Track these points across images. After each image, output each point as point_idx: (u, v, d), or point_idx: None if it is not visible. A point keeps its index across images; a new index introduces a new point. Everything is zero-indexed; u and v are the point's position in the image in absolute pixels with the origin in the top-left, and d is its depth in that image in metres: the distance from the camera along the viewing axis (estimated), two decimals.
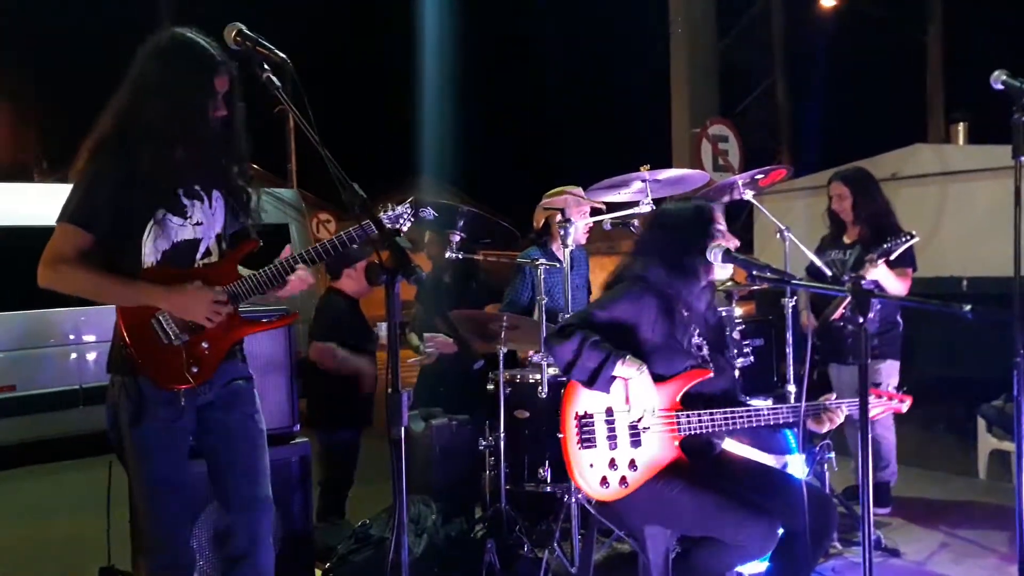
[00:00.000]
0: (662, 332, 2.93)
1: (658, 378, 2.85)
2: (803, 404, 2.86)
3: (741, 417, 2.88)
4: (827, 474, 4.19)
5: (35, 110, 17.52)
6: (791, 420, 2.89)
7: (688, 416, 2.86)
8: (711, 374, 2.94)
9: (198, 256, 2.56)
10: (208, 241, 2.58)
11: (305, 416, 4.49)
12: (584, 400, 2.85)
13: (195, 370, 2.49)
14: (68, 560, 4.63)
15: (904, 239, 4.09)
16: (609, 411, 2.84)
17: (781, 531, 2.76)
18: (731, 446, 3.36)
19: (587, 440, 2.81)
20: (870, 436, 4.68)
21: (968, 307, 2.55)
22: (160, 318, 2.45)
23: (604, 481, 2.80)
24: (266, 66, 2.26)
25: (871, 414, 2.93)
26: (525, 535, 3.81)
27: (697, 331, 3.01)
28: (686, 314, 3.00)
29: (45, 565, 4.67)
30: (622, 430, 2.83)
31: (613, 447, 2.82)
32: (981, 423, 5.55)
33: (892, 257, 4.08)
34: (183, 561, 2.63)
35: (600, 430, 2.83)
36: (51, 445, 6.91)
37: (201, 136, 2.48)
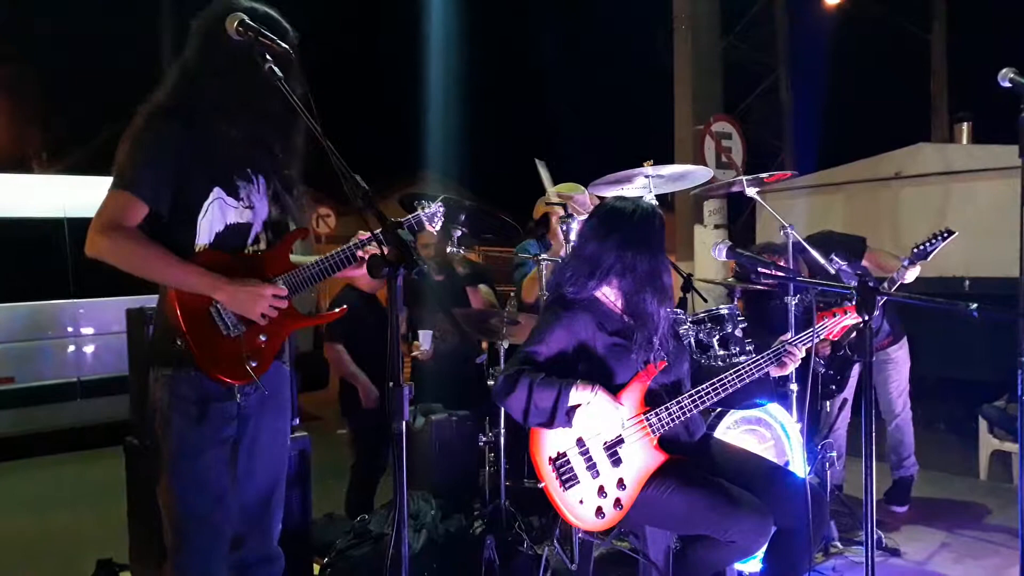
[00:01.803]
0: (606, 340, 2.85)
1: (618, 387, 2.79)
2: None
3: (708, 393, 2.83)
4: (828, 472, 4.17)
5: (34, 101, 17.49)
6: (760, 373, 2.89)
7: (657, 414, 2.79)
8: (666, 364, 2.87)
9: (248, 242, 2.44)
10: (258, 227, 2.46)
11: (338, 403, 4.65)
12: (551, 441, 2.75)
13: (254, 364, 2.35)
14: (66, 552, 4.62)
15: (942, 237, 4.04)
16: (580, 441, 2.75)
17: (775, 528, 2.73)
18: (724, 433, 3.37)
19: (568, 480, 2.72)
20: (892, 426, 4.74)
21: (974, 306, 2.54)
22: (218, 307, 2.31)
23: (599, 512, 2.72)
24: (268, 57, 2.19)
25: (833, 332, 3.00)
26: (524, 531, 3.80)
27: (642, 326, 2.89)
28: (625, 316, 2.92)
29: (43, 557, 4.66)
30: (599, 455, 2.75)
31: (596, 475, 2.73)
32: (982, 424, 5.55)
33: (929, 259, 4.05)
34: None
35: (578, 464, 2.73)
36: (49, 437, 6.91)
37: (265, 113, 2.34)
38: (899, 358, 4.76)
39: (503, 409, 3.80)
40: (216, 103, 2.32)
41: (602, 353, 2.85)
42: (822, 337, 3.02)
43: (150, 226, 2.29)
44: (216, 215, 2.35)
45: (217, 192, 2.35)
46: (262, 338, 2.39)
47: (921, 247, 4.08)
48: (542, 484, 2.76)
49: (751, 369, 2.89)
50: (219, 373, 2.32)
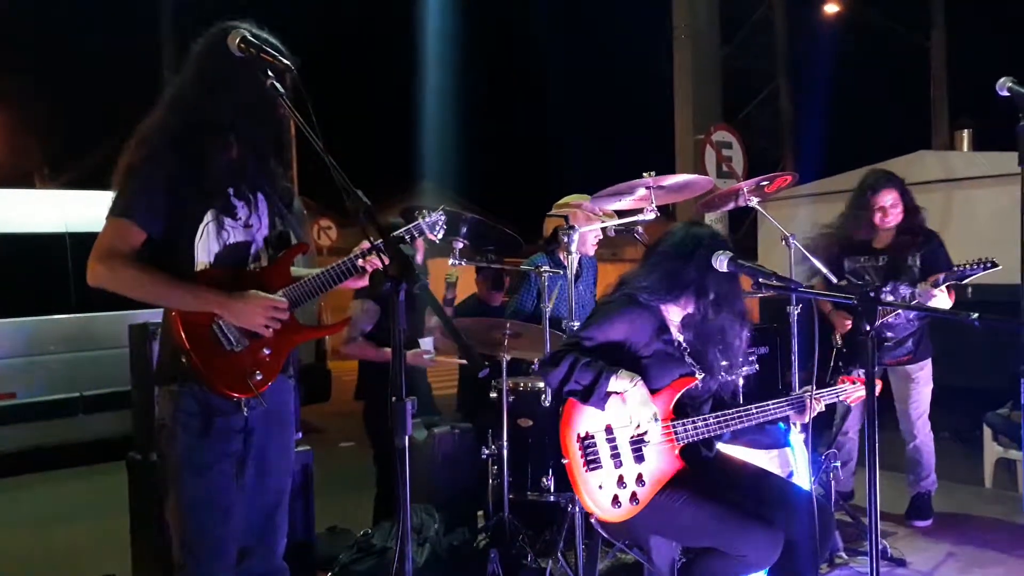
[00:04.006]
0: (656, 346, 2.93)
1: (651, 391, 2.84)
2: (812, 391, 3.01)
3: (733, 419, 2.92)
4: (832, 483, 4.15)
5: (37, 116, 17.54)
6: (779, 416, 3.00)
7: (684, 424, 2.87)
8: (697, 381, 2.94)
9: (249, 259, 2.46)
10: (258, 244, 2.48)
11: (364, 418, 4.52)
12: (583, 421, 2.81)
13: (258, 377, 2.38)
14: (69, 568, 4.61)
15: (984, 266, 4.00)
16: (608, 429, 2.80)
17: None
18: (730, 450, 3.41)
19: (592, 461, 2.76)
20: (911, 447, 4.70)
21: (975, 315, 2.53)
22: (220, 323, 2.34)
23: (616, 501, 2.75)
24: (270, 72, 2.22)
25: (850, 399, 3.12)
26: (528, 545, 3.79)
27: (685, 340, 3.01)
28: (676, 334, 3.01)
29: (46, 573, 4.65)
30: (624, 447, 2.80)
31: (618, 465, 2.78)
32: (987, 432, 5.53)
33: (964, 282, 4.01)
34: None
35: (603, 449, 2.78)
36: (51, 453, 6.90)
37: (262, 135, 2.40)
38: (920, 378, 4.66)
39: (505, 419, 3.81)
40: (220, 124, 2.35)
41: (649, 357, 2.92)
42: (841, 399, 3.13)
43: (148, 251, 2.32)
44: (213, 236, 2.37)
45: (212, 214, 2.36)
46: (266, 352, 2.41)
47: (956, 270, 4.05)
48: (565, 461, 2.79)
49: (774, 409, 2.98)
50: (224, 387, 2.33)
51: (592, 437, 2.79)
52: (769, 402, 2.99)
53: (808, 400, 3.01)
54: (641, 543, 2.94)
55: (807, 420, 3.04)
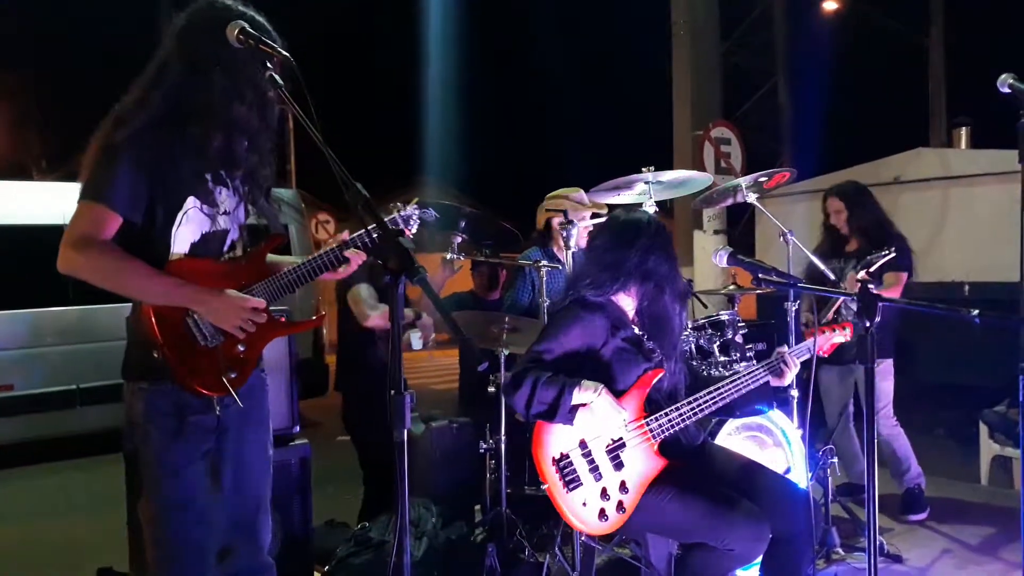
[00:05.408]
0: (615, 345, 2.90)
1: (619, 393, 2.81)
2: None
3: (706, 401, 2.89)
4: (829, 479, 4.16)
5: (34, 108, 17.51)
6: (756, 384, 2.98)
7: (657, 419, 2.83)
8: (664, 372, 2.92)
9: (224, 248, 2.38)
10: (234, 233, 2.41)
11: (343, 415, 4.47)
12: (555, 441, 2.75)
13: (233, 375, 2.30)
14: (65, 560, 4.61)
15: (884, 253, 4.06)
16: (583, 443, 2.75)
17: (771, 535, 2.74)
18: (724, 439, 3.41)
19: (572, 481, 2.72)
20: (879, 442, 4.73)
21: (976, 312, 2.54)
22: (195, 317, 2.25)
23: (602, 514, 2.72)
24: (269, 64, 2.17)
25: (824, 349, 3.14)
26: (526, 539, 3.79)
27: (645, 336, 3.00)
28: (635, 324, 3.00)
29: (42, 565, 4.65)
30: (601, 458, 2.76)
31: (599, 478, 2.74)
32: (983, 429, 5.54)
33: (872, 269, 4.03)
34: None
35: (581, 466, 2.74)
36: (49, 445, 6.90)
37: (247, 121, 2.29)
38: (878, 371, 4.68)
39: (503, 414, 3.81)
40: (196, 106, 2.25)
41: (609, 357, 2.89)
42: (814, 352, 3.11)
43: (123, 238, 2.21)
44: (191, 224, 2.29)
45: (192, 201, 2.28)
46: (240, 348, 2.34)
47: (867, 259, 4.09)
48: (545, 486, 2.76)
49: (748, 379, 2.96)
50: (197, 385, 2.25)
51: (567, 456, 2.73)
52: (740, 375, 2.97)
53: (781, 361, 3.00)
54: (638, 538, 2.94)
55: (786, 383, 3.04)
